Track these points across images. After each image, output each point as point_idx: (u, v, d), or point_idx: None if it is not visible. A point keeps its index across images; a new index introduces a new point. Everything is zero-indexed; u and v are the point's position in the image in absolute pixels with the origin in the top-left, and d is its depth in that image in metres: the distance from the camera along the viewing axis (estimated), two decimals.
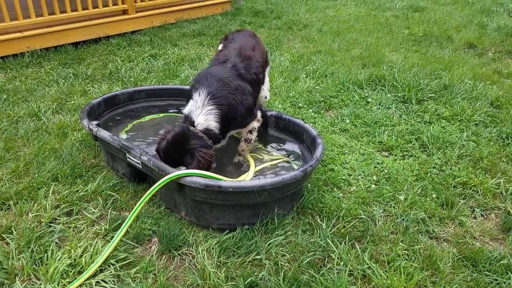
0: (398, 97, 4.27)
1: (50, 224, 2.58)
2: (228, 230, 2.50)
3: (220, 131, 2.69)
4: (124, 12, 6.49)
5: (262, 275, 2.23)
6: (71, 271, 2.21)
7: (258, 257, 2.35)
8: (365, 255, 2.34)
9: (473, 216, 2.74)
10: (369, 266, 2.28)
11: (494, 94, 4.29)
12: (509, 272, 2.26)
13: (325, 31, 6.63)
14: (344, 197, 2.87)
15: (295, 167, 2.95)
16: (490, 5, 8.17)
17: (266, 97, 3.48)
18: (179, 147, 2.54)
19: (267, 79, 3.47)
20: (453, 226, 2.65)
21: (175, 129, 2.59)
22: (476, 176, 3.07)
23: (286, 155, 3.09)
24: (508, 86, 4.54)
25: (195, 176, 2.35)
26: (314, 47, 5.89)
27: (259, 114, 2.99)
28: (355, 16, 7.58)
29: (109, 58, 5.43)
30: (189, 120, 2.65)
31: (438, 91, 4.38)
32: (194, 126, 2.61)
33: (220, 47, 3.25)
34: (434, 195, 2.87)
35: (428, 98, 4.23)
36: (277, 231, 2.52)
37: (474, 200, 2.86)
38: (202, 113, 2.64)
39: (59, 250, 2.36)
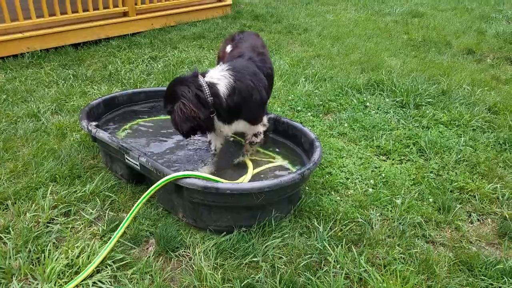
0: (396, 101, 4.29)
1: (48, 224, 2.58)
2: (225, 232, 2.51)
3: (226, 105, 2.53)
4: (125, 14, 6.52)
5: (259, 278, 2.24)
6: (68, 271, 2.21)
7: (255, 259, 2.36)
8: (362, 259, 2.34)
9: (469, 220, 2.75)
10: (366, 270, 2.29)
11: (492, 100, 4.31)
12: (504, 277, 2.26)
13: (325, 35, 6.66)
14: (341, 200, 2.88)
15: (293, 170, 2.96)
16: (489, 12, 8.22)
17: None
18: (173, 90, 2.48)
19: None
20: (449, 231, 2.66)
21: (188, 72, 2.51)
22: (473, 181, 3.09)
23: (284, 158, 3.10)
24: (506, 92, 4.57)
25: (193, 177, 2.36)
26: (314, 51, 5.91)
27: (265, 119, 2.96)
28: (355, 21, 7.62)
29: (109, 59, 5.45)
30: (202, 73, 2.58)
31: (436, 96, 4.40)
32: (203, 76, 2.52)
33: (228, 48, 3.18)
34: (431, 200, 2.88)
35: (426, 103, 4.25)
36: (274, 233, 2.53)
37: (471, 205, 2.88)
38: (217, 71, 2.58)
39: (56, 250, 2.36)
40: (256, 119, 2.84)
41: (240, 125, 2.79)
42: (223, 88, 2.53)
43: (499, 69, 5.37)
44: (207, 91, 2.49)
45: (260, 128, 2.93)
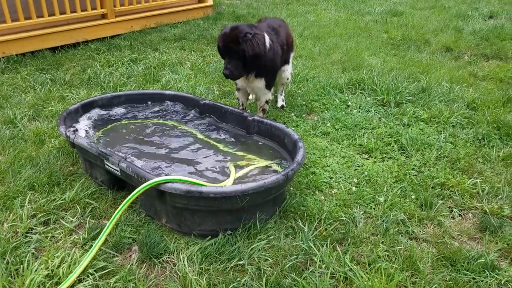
0: (377, 100, 4.33)
1: (27, 234, 2.51)
2: (210, 236, 2.48)
3: (267, 55, 3.24)
4: (103, 16, 6.42)
5: (245, 281, 2.22)
6: (48, 283, 2.15)
7: (240, 262, 2.34)
8: (347, 257, 2.35)
9: (451, 216, 2.79)
10: (351, 268, 2.29)
11: (470, 96, 4.39)
12: (486, 271, 2.30)
13: (306, 35, 6.69)
14: (325, 199, 2.89)
15: (280, 170, 2.95)
16: (465, 10, 8.39)
17: (288, 78, 4.04)
18: (243, 28, 3.08)
19: (291, 62, 4.02)
20: (432, 227, 2.69)
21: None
22: (454, 176, 3.13)
23: (268, 160, 3.09)
24: (483, 88, 4.66)
25: (176, 182, 2.33)
26: (295, 51, 5.92)
27: (270, 93, 3.60)
28: (335, 21, 7.67)
29: (88, 63, 5.36)
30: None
31: (416, 94, 4.46)
32: None
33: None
34: (413, 196, 2.92)
35: (406, 101, 4.31)
36: (260, 235, 2.51)
37: (452, 201, 2.92)
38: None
39: (36, 261, 2.29)
40: (270, 82, 3.49)
41: (260, 84, 3.43)
42: (267, 42, 3.22)
43: (476, 66, 5.48)
44: (266, 37, 3.21)
45: (270, 96, 3.61)
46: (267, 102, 3.65)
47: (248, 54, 3.00)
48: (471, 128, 3.82)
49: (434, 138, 3.63)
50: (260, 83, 3.44)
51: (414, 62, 5.49)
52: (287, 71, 3.99)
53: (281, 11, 8.37)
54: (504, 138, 3.65)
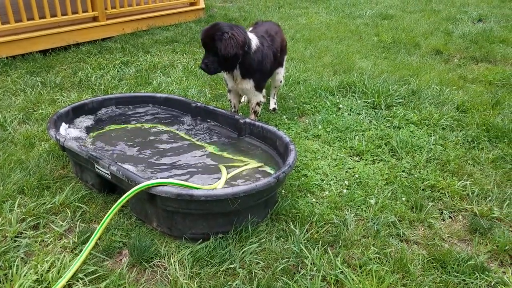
0: (368, 103, 4.36)
1: (16, 239, 2.48)
2: (201, 240, 2.48)
3: (252, 56, 3.30)
4: (95, 19, 6.39)
5: (236, 285, 2.22)
6: (37, 287, 2.12)
7: (232, 266, 2.33)
8: (338, 260, 2.36)
9: (441, 218, 2.82)
10: (342, 271, 2.30)
11: (460, 99, 4.44)
12: (476, 273, 2.32)
13: (297, 38, 6.71)
14: (317, 202, 2.90)
15: (272, 172, 2.95)
16: (455, 13, 8.48)
17: (281, 81, 4.14)
18: (221, 26, 3.15)
19: (284, 65, 4.12)
20: (422, 229, 2.71)
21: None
22: (444, 179, 3.16)
23: (259, 162, 3.09)
24: (472, 91, 4.71)
25: (166, 185, 2.32)
26: (287, 54, 5.94)
27: (263, 92, 3.66)
28: (327, 24, 7.71)
29: (79, 65, 5.32)
30: None
31: (406, 96, 4.50)
32: None
33: (249, 29, 3.82)
34: (403, 199, 2.94)
35: (397, 104, 4.34)
36: (251, 238, 2.51)
37: (442, 203, 2.94)
38: (250, 33, 3.40)
39: (25, 266, 2.27)
40: (259, 84, 3.52)
41: (248, 85, 3.47)
42: (254, 44, 3.31)
43: (466, 68, 5.54)
44: (248, 37, 3.25)
45: (261, 98, 3.65)
46: (258, 104, 3.67)
47: (220, 53, 3.06)
48: (460, 131, 3.86)
49: (424, 141, 3.66)
50: (248, 84, 3.47)
51: (405, 65, 5.53)
52: (281, 73, 4.06)
53: (273, 14, 8.40)
54: (493, 140, 3.69)
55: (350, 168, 3.29)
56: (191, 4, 7.96)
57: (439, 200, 2.96)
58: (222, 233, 2.50)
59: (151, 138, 3.34)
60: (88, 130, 3.39)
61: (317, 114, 4.16)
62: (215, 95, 4.58)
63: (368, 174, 3.20)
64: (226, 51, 3.05)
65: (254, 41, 3.32)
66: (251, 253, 2.42)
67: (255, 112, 3.73)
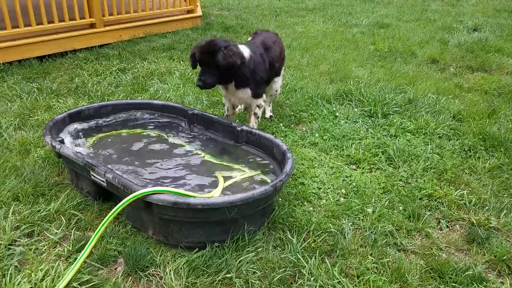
0: (364, 111, 4.37)
1: (10, 247, 2.44)
2: (197, 249, 2.45)
3: (246, 66, 3.36)
4: (92, 25, 6.39)
5: None
6: None
7: (228, 275, 2.31)
8: (335, 270, 2.34)
9: (439, 227, 2.81)
10: (339, 281, 2.28)
11: (456, 107, 4.46)
12: (474, 283, 2.31)
13: (294, 47, 6.74)
14: (314, 210, 2.88)
15: (269, 180, 2.94)
16: (450, 22, 8.57)
17: (277, 90, 4.16)
18: (216, 42, 3.25)
19: (281, 75, 4.14)
20: (420, 238, 2.70)
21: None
22: (441, 188, 3.16)
23: (257, 170, 3.08)
24: (469, 100, 4.74)
25: (163, 193, 2.30)
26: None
27: (263, 97, 3.67)
28: (323, 33, 7.76)
29: (76, 72, 5.31)
30: None
31: (403, 105, 4.51)
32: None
33: (249, 39, 3.98)
34: (401, 208, 2.93)
35: (393, 112, 4.35)
36: (248, 247, 2.49)
37: (440, 212, 2.94)
38: (241, 46, 3.45)
39: (19, 274, 2.23)
40: (257, 91, 3.55)
41: (245, 94, 3.50)
42: (246, 54, 3.37)
43: (461, 77, 5.58)
44: (240, 49, 3.32)
45: (261, 101, 3.64)
46: (258, 106, 3.67)
47: (221, 63, 3.13)
48: (457, 140, 3.87)
49: (421, 149, 3.67)
50: (245, 93, 3.51)
51: (401, 73, 5.56)
52: (278, 83, 4.08)
53: (270, 23, 8.44)
54: (489, 149, 3.71)
55: (347, 177, 3.28)
56: (189, 11, 7.99)
57: (436, 209, 2.96)
58: (219, 242, 2.48)
59: (147, 145, 3.33)
60: (84, 136, 3.37)
61: (314, 122, 4.16)
62: (212, 102, 4.58)
63: (365, 182, 3.20)
64: (227, 61, 3.14)
65: (246, 52, 3.40)
66: (247, 262, 2.39)
67: (255, 114, 3.70)
